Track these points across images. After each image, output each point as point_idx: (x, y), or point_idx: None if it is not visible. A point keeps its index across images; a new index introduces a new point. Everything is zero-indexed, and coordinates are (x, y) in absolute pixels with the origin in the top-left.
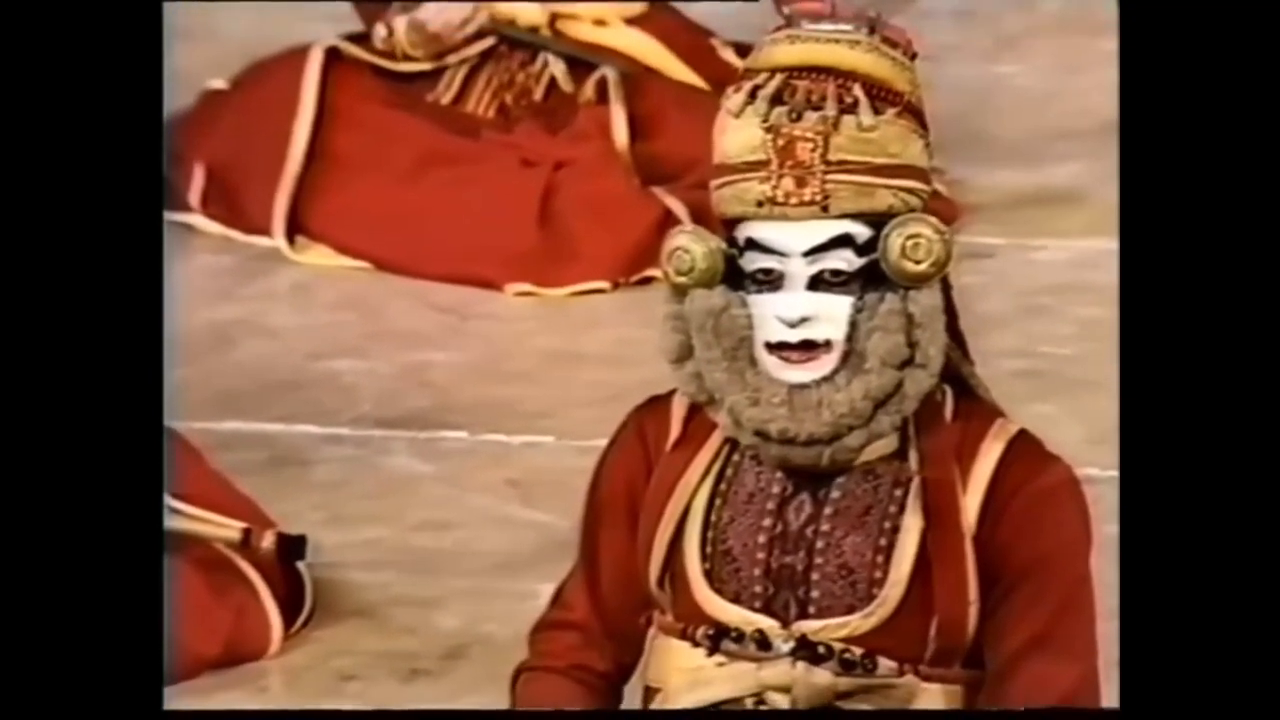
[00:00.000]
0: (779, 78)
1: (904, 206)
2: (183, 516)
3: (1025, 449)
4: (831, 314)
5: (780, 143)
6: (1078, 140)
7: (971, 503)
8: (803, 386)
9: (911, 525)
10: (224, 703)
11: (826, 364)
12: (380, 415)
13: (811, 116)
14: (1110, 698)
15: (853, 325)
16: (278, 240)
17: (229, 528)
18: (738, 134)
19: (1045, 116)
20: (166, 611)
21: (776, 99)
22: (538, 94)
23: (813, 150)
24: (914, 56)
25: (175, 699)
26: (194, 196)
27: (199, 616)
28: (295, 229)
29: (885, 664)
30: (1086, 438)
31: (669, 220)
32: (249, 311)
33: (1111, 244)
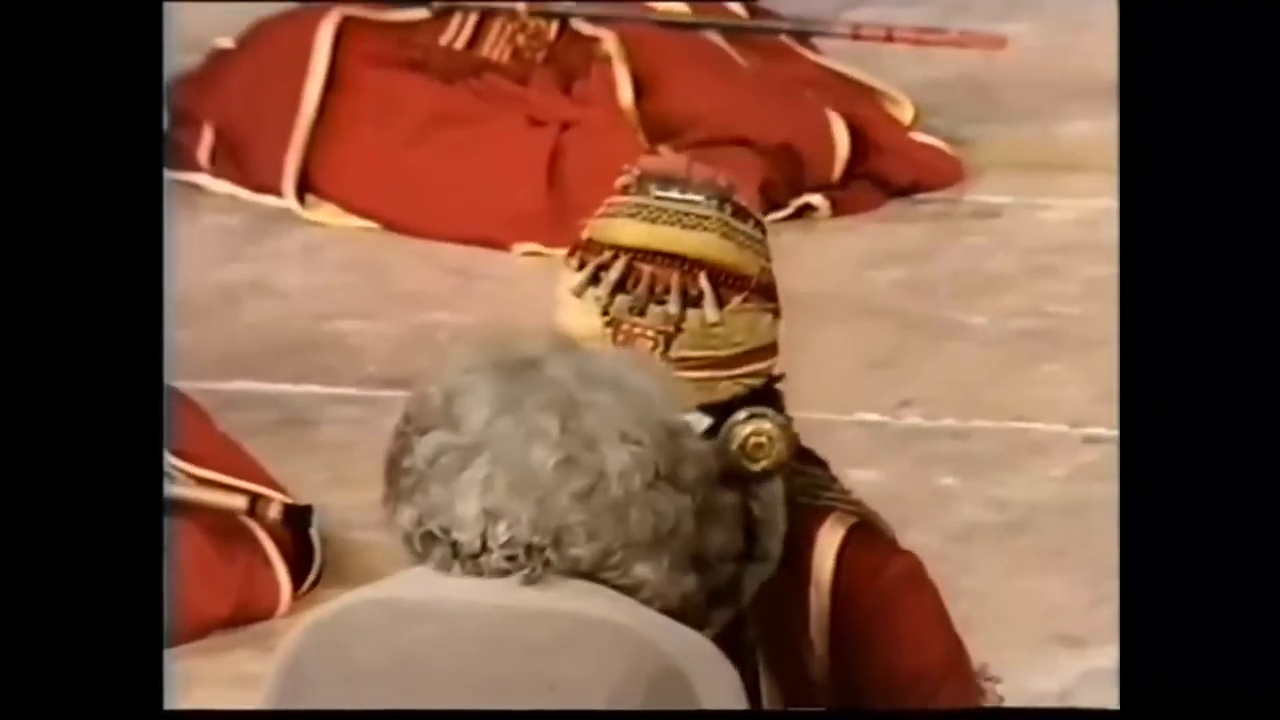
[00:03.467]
0: (623, 260)
1: (746, 391)
2: (190, 484)
3: (855, 554)
4: None
5: (621, 338)
6: (1085, 100)
7: (818, 628)
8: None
9: (771, 694)
10: (233, 662)
11: None
12: (387, 376)
13: (655, 312)
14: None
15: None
16: (288, 198)
17: (234, 496)
18: (578, 317)
19: (1053, 76)
20: (168, 573)
21: (620, 286)
22: (551, 34)
23: (654, 348)
24: (764, 230)
25: (185, 659)
26: (202, 155)
27: (208, 578)
28: (304, 187)
29: None
30: (1094, 396)
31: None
32: (257, 272)
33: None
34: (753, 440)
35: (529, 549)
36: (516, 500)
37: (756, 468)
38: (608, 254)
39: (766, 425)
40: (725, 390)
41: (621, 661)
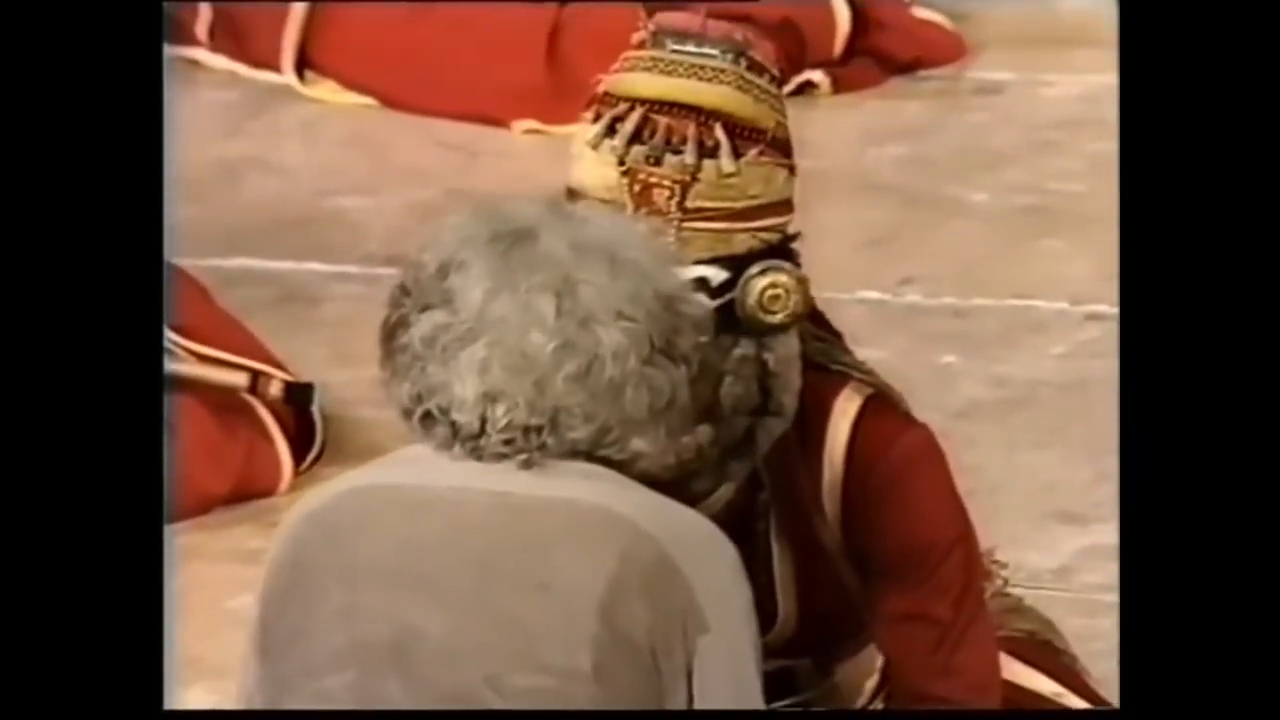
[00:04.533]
0: (639, 112)
1: (763, 246)
2: (191, 360)
3: (870, 424)
4: None
5: (637, 188)
6: None
7: (830, 495)
8: None
9: (781, 558)
10: (234, 538)
11: None
12: (388, 253)
13: (671, 161)
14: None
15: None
16: (287, 74)
17: (235, 373)
18: (594, 169)
19: None
20: (169, 449)
21: (636, 136)
22: None
23: (670, 199)
24: (780, 80)
25: (186, 534)
26: (201, 30)
27: (210, 454)
28: (303, 63)
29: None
30: (1095, 273)
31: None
32: (257, 147)
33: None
34: (769, 293)
35: (526, 431)
36: (514, 382)
37: (773, 320)
38: (623, 106)
39: (782, 277)
40: (741, 243)
41: (614, 553)
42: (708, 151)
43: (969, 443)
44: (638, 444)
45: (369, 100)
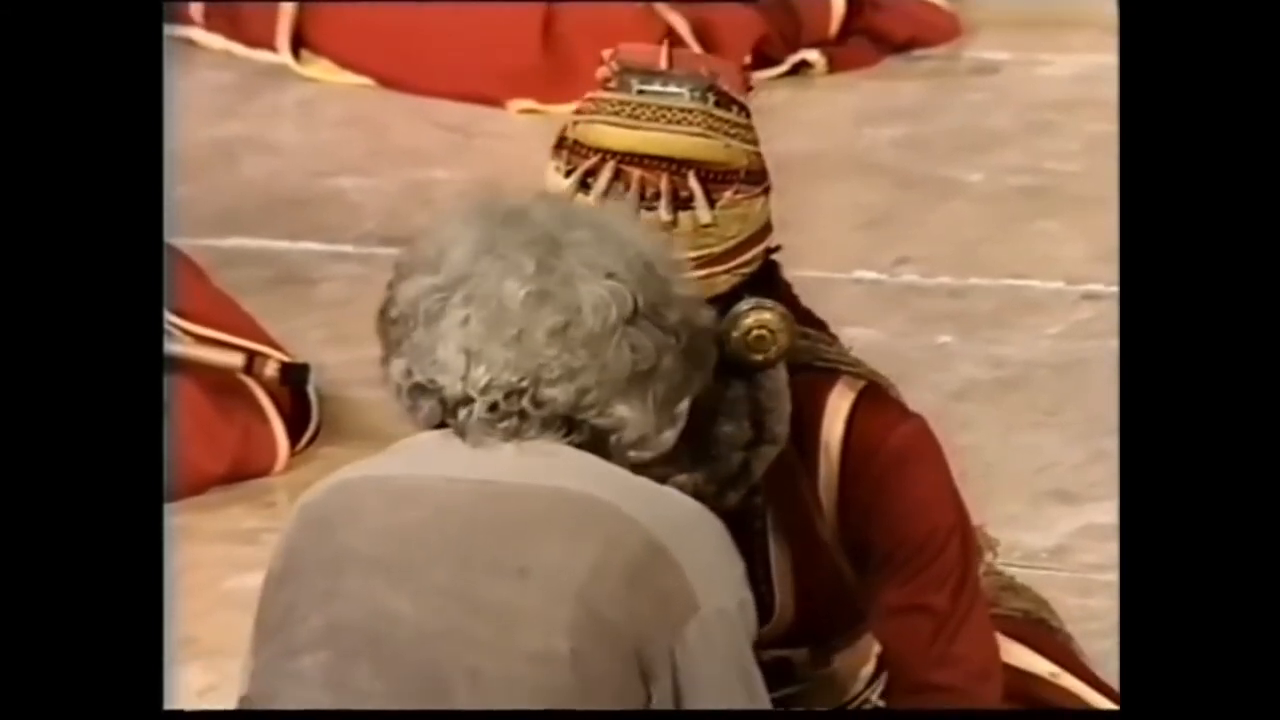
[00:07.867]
0: (610, 166)
1: (745, 280)
2: (186, 341)
3: (865, 418)
4: None
5: None
6: None
7: (827, 490)
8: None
9: (779, 553)
10: (230, 517)
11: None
12: (385, 233)
13: (646, 218)
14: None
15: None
16: (283, 53)
17: (232, 353)
18: None
19: None
20: (169, 430)
21: (609, 191)
22: None
23: None
24: (749, 114)
25: (182, 514)
26: (195, 10)
27: (206, 435)
28: (299, 42)
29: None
30: (1090, 254)
31: (671, 36)
32: (253, 128)
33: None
34: (754, 333)
35: (509, 394)
36: (493, 338)
37: (759, 359)
38: (594, 158)
39: (767, 316)
40: (724, 283)
41: (598, 539)
42: (682, 203)
43: (965, 423)
44: (620, 410)
45: (365, 80)
